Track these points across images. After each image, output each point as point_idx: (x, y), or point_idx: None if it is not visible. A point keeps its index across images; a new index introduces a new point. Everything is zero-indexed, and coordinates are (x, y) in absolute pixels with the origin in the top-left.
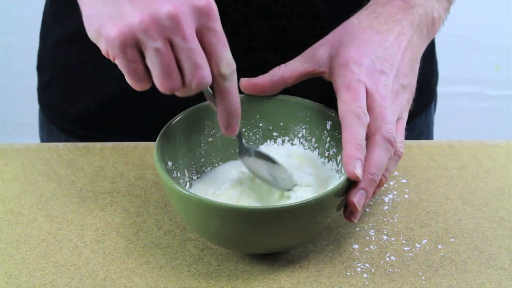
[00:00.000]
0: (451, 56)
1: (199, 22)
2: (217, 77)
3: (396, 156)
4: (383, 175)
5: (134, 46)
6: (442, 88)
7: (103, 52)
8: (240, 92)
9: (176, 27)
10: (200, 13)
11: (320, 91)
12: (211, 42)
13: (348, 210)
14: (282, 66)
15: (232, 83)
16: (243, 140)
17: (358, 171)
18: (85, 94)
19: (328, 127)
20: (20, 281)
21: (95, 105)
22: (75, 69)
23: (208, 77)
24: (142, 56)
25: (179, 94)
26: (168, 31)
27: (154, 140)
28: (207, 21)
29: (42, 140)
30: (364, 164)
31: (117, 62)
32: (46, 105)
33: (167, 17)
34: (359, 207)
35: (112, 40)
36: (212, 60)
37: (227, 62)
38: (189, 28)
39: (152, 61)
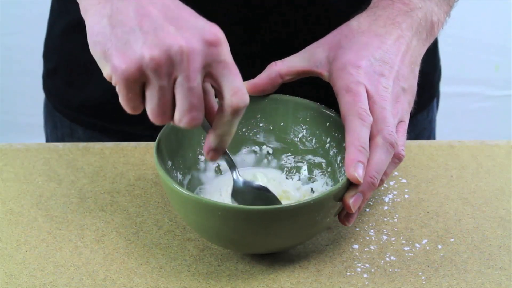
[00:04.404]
0: (451, 56)
1: (208, 56)
2: (227, 109)
3: (396, 159)
4: (381, 178)
5: (139, 80)
6: (442, 88)
7: (104, 73)
8: None
9: (184, 64)
10: (210, 47)
11: (320, 91)
12: (223, 74)
13: (343, 213)
14: (278, 62)
15: (239, 118)
16: (235, 172)
17: (359, 174)
18: (90, 81)
19: (329, 127)
20: (20, 281)
21: (99, 92)
22: (80, 56)
23: (200, 119)
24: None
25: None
26: (175, 68)
27: (154, 140)
28: (217, 55)
29: (47, 135)
30: None
31: (117, 89)
32: (51, 92)
33: (177, 53)
34: (354, 209)
35: (119, 73)
36: (226, 92)
37: (242, 94)
38: (197, 66)
39: (151, 95)
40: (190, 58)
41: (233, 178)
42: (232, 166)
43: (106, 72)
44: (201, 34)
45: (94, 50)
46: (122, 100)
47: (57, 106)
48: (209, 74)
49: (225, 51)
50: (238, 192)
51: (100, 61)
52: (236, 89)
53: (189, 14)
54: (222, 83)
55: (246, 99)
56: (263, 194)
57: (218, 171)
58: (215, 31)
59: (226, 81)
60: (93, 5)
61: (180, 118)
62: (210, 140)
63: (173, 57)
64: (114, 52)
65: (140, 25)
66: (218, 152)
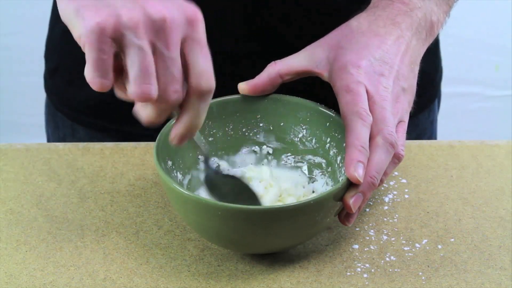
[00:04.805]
0: (451, 56)
1: (185, 31)
2: (193, 92)
3: (396, 159)
4: (381, 178)
5: (113, 40)
6: (442, 88)
7: (75, 35)
8: (239, 93)
9: (164, 32)
10: (189, 22)
11: (320, 91)
12: (195, 52)
13: (344, 213)
14: (278, 62)
15: (206, 104)
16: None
17: (360, 174)
18: None
19: (329, 127)
20: (20, 281)
21: (100, 92)
22: (81, 56)
23: (181, 91)
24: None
25: (145, 111)
26: (155, 34)
27: (154, 140)
28: (193, 31)
29: (48, 135)
30: None
31: (86, 50)
32: (52, 92)
33: (159, 20)
34: (354, 209)
35: (93, 25)
36: (193, 72)
37: (208, 77)
38: (176, 37)
39: (132, 60)
40: (172, 28)
41: (204, 168)
42: (204, 154)
43: (77, 31)
44: (182, 9)
45: (67, 9)
46: (90, 65)
47: (58, 106)
48: (181, 50)
49: (201, 30)
50: (213, 184)
51: (71, 22)
52: (203, 71)
53: None
54: (191, 61)
55: (212, 83)
56: (239, 186)
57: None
58: (195, 9)
59: (196, 61)
60: None
61: (163, 90)
62: (177, 126)
63: (155, 22)
64: (88, 8)
65: None
66: (184, 139)
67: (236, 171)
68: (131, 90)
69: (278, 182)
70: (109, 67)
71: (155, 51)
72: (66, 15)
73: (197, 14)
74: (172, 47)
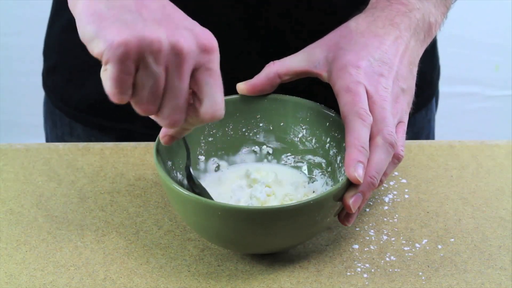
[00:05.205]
0: (451, 56)
1: (200, 60)
2: (204, 116)
3: (396, 159)
4: (380, 178)
5: (135, 60)
6: (442, 88)
7: (95, 52)
8: (237, 93)
9: (179, 61)
10: (204, 51)
11: (320, 91)
12: (210, 83)
13: (343, 213)
14: (277, 62)
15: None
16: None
17: (359, 174)
18: (89, 79)
19: (329, 127)
20: (20, 281)
21: (98, 89)
22: (80, 54)
23: (181, 122)
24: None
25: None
26: (171, 61)
27: (154, 140)
28: (208, 61)
29: (46, 133)
30: None
31: (109, 67)
32: (50, 90)
33: (177, 48)
34: (354, 209)
35: (115, 46)
36: (208, 102)
37: (222, 108)
38: (189, 68)
39: (144, 83)
40: (187, 58)
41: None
42: (187, 153)
43: (98, 48)
44: (197, 37)
45: (86, 29)
46: (111, 83)
47: (56, 103)
48: (194, 77)
49: (216, 59)
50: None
51: (91, 41)
52: (217, 101)
53: (185, 17)
54: (205, 91)
55: (223, 114)
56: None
57: (218, 170)
58: (210, 38)
59: (209, 90)
60: None
61: (165, 117)
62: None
63: (174, 50)
64: (111, 27)
65: (140, 12)
66: (174, 139)
67: (240, 168)
68: (136, 104)
69: (280, 188)
70: (129, 85)
71: (167, 77)
72: (86, 34)
73: (213, 43)
74: (184, 77)
